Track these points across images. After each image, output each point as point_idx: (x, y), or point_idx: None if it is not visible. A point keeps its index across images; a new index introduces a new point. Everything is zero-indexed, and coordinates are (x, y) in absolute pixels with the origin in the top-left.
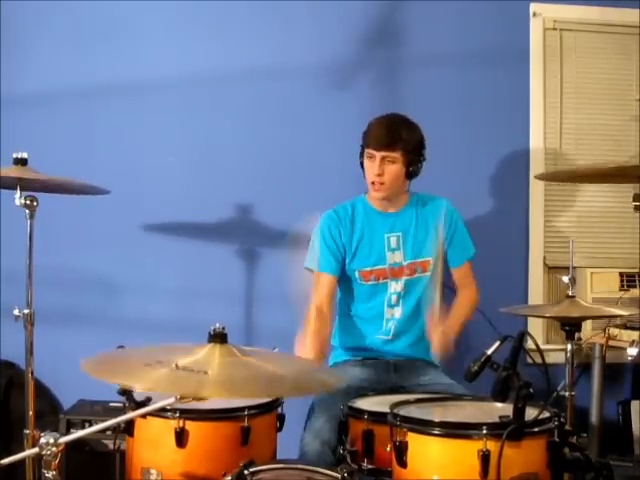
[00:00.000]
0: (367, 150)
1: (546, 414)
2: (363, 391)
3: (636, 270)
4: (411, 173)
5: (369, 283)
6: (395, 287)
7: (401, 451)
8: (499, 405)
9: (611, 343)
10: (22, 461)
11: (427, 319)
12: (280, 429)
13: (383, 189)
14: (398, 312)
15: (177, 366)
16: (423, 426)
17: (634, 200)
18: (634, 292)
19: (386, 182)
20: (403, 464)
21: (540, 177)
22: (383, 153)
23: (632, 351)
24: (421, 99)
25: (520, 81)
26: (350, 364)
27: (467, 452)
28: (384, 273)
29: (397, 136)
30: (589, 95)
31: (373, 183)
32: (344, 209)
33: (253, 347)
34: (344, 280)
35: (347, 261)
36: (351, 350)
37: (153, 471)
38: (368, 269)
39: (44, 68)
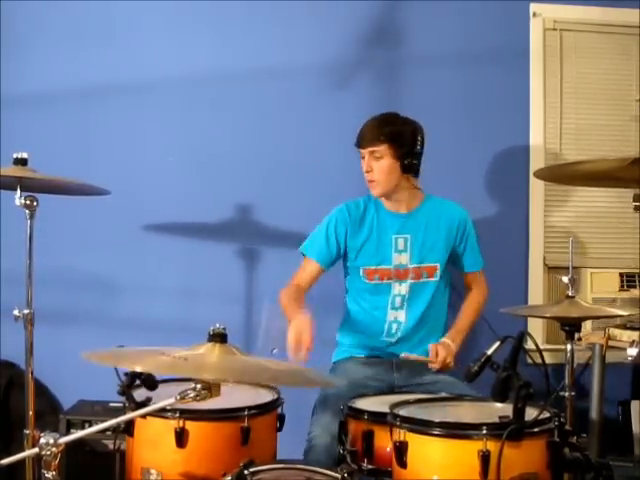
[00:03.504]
0: (359, 151)
1: (546, 414)
2: (365, 389)
3: (636, 270)
4: (408, 167)
5: (373, 282)
6: (399, 289)
7: (401, 451)
8: (499, 405)
9: (611, 343)
10: (22, 461)
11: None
12: (280, 429)
13: (376, 186)
14: (402, 315)
15: (162, 353)
16: (423, 426)
17: (634, 200)
18: (634, 292)
19: (377, 178)
20: (403, 464)
21: (538, 173)
22: (369, 149)
23: (632, 351)
24: (421, 99)
25: (520, 81)
26: (353, 361)
27: (467, 452)
28: (388, 273)
29: (379, 131)
30: (589, 95)
31: (368, 181)
32: (356, 205)
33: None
34: (351, 276)
35: (352, 257)
36: (354, 348)
37: (153, 471)
38: (372, 268)
39: (44, 68)
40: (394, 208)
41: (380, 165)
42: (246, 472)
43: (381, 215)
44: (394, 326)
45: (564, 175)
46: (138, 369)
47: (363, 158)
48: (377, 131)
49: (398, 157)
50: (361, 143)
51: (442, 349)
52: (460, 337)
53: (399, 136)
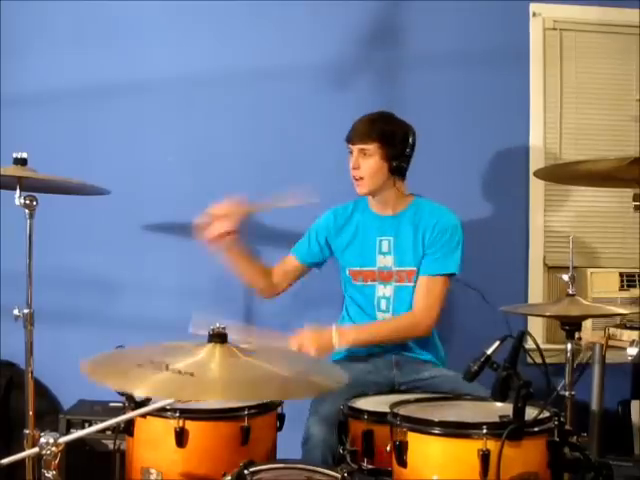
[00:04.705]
0: (348, 146)
1: (546, 414)
2: (365, 386)
3: (636, 270)
4: (396, 169)
5: (358, 283)
6: (384, 291)
7: (401, 451)
8: (499, 405)
9: (611, 343)
10: (22, 461)
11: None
12: (280, 429)
13: (362, 184)
14: (388, 318)
15: (167, 367)
16: (423, 426)
17: (634, 200)
18: (634, 292)
19: (364, 176)
20: (403, 464)
21: (538, 172)
22: (358, 146)
23: (632, 351)
24: (421, 99)
25: (520, 81)
26: (352, 359)
27: (467, 452)
28: (372, 275)
29: (371, 129)
30: (589, 95)
31: (354, 178)
32: (344, 209)
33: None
34: (342, 275)
35: (338, 257)
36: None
37: (153, 471)
38: (357, 269)
39: (44, 68)
40: (380, 210)
41: (368, 163)
42: (246, 472)
43: (366, 217)
44: None
45: (564, 175)
46: (139, 393)
47: (351, 153)
48: (369, 129)
49: (387, 158)
50: (352, 139)
51: (308, 333)
52: (352, 335)
53: (391, 136)
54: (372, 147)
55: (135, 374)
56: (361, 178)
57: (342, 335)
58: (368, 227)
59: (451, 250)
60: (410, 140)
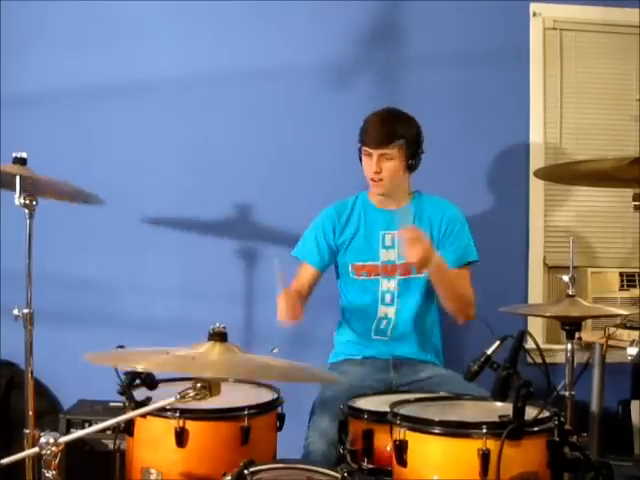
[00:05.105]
0: (364, 148)
1: (546, 413)
2: (363, 390)
3: (636, 270)
4: (411, 166)
5: (361, 278)
6: (388, 285)
7: (401, 450)
8: (499, 404)
9: (611, 343)
10: (22, 461)
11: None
12: (280, 429)
13: (382, 185)
14: (392, 312)
15: (167, 352)
16: (423, 425)
17: (634, 200)
18: (634, 292)
19: (385, 178)
20: (403, 463)
21: (538, 172)
22: (380, 151)
23: (632, 351)
24: (421, 99)
25: (520, 81)
26: (349, 363)
27: (467, 451)
28: (376, 269)
29: (393, 133)
30: (589, 95)
31: (372, 180)
32: (344, 205)
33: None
34: (342, 274)
35: (341, 254)
36: (350, 348)
37: (153, 471)
38: (360, 264)
39: (44, 68)
40: (383, 205)
41: (389, 166)
42: (246, 472)
43: (369, 212)
44: (383, 322)
45: (564, 175)
46: (140, 368)
47: (368, 155)
48: (391, 133)
49: (406, 158)
50: (372, 144)
51: (427, 240)
52: (443, 267)
53: (410, 138)
54: (394, 151)
55: (138, 356)
56: (381, 180)
57: (439, 263)
58: (371, 221)
59: (465, 239)
60: (422, 137)
